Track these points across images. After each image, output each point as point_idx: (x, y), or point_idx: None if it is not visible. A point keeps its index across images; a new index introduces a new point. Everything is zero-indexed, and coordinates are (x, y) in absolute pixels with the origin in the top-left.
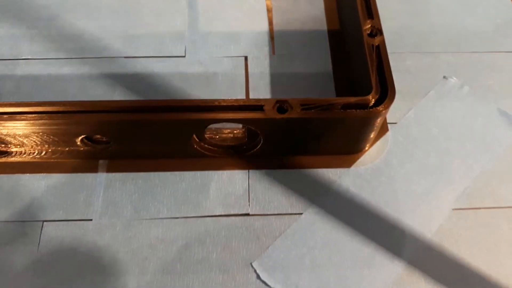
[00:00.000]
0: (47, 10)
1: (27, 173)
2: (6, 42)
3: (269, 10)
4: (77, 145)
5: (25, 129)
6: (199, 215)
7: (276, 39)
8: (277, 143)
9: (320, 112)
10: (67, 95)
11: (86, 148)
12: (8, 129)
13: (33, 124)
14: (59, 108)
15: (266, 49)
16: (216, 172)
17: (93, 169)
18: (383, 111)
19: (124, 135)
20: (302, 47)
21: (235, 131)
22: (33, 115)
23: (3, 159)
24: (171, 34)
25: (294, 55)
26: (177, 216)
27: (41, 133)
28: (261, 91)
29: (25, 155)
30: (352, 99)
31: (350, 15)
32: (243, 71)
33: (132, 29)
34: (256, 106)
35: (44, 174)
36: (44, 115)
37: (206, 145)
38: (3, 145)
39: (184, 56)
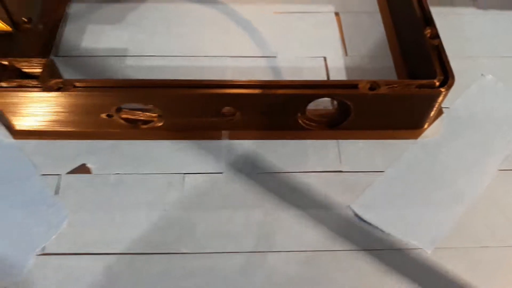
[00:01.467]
0: (163, 20)
1: (167, 139)
2: (131, 44)
3: (338, 22)
4: (209, 116)
5: (176, 102)
6: (304, 171)
7: (346, 43)
8: (364, 118)
9: (401, 89)
10: None
11: (215, 119)
12: (159, 101)
13: (186, 98)
14: (214, 83)
15: (340, 52)
16: (313, 140)
17: (218, 136)
18: (446, 91)
19: (250, 107)
20: (368, 49)
21: (329, 109)
22: (194, 89)
23: (149, 127)
24: (263, 40)
25: (362, 55)
26: (286, 171)
27: (186, 106)
28: None
29: (166, 124)
30: (424, 81)
31: (408, 23)
32: (324, 68)
33: (232, 35)
34: (352, 84)
35: (181, 140)
36: (203, 89)
37: (306, 120)
38: (149, 115)
39: (276, 57)
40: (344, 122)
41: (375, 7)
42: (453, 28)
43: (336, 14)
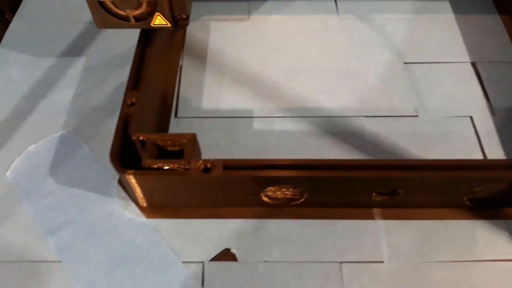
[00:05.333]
0: (280, 75)
1: (314, 218)
2: (255, 102)
3: (476, 73)
4: (364, 196)
5: (327, 183)
6: (475, 259)
7: (491, 99)
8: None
9: None
10: (321, 150)
11: (369, 199)
12: (307, 183)
13: (337, 180)
14: (373, 163)
15: (486, 110)
16: (480, 221)
17: (370, 216)
18: None
19: (414, 188)
20: None
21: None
22: (349, 171)
23: (295, 204)
24: (398, 95)
25: (511, 113)
26: (455, 260)
27: (338, 187)
28: (494, 148)
29: (313, 202)
30: None
31: None
32: (473, 131)
33: (360, 91)
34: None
35: (329, 220)
36: (361, 171)
37: (472, 197)
38: (295, 192)
39: (417, 116)
40: None
41: None
42: None
43: (473, 64)
